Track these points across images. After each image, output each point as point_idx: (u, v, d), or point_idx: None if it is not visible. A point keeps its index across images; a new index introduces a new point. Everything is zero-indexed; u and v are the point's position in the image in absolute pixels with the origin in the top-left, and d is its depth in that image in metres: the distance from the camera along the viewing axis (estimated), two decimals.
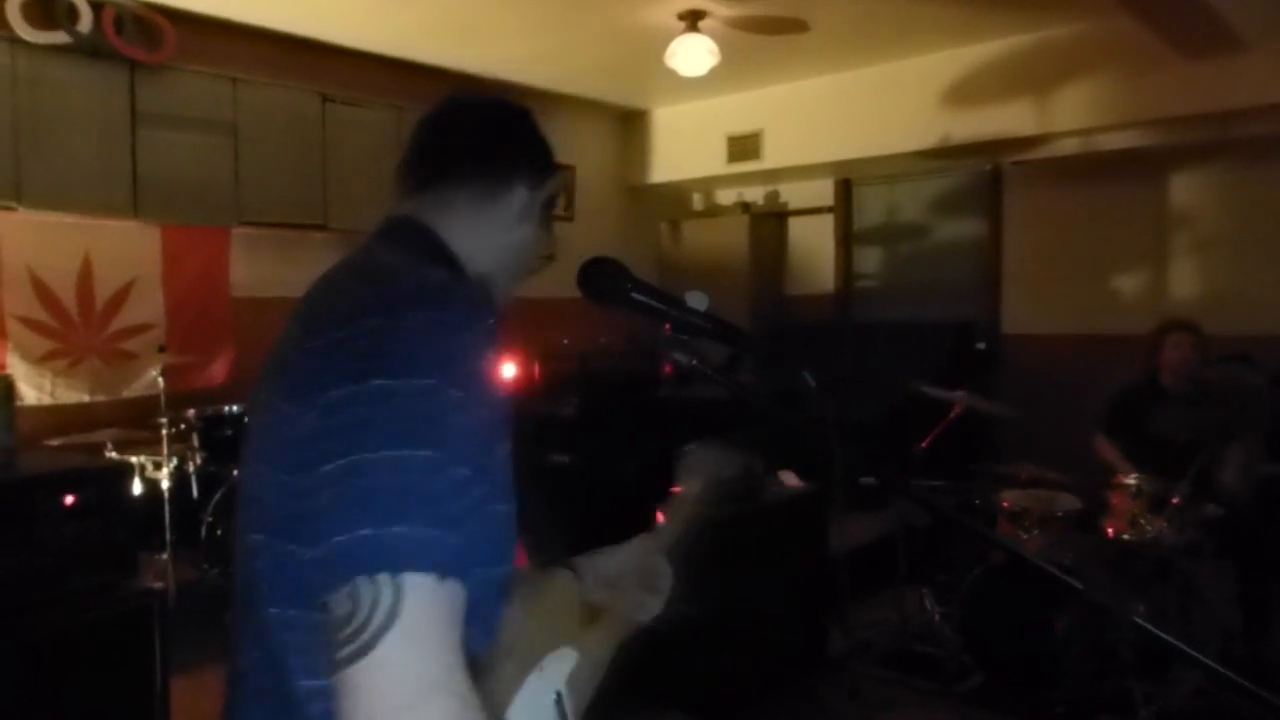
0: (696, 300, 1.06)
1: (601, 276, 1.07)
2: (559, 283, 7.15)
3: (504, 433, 0.96)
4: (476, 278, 1.09)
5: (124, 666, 2.07)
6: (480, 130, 1.15)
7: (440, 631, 0.82)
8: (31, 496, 1.81)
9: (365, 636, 0.79)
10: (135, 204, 4.84)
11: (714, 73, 5.31)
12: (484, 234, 1.11)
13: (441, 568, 0.83)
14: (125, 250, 4.89)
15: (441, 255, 1.06)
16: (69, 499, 1.82)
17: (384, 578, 0.80)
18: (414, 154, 1.15)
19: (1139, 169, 5.83)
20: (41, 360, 4.60)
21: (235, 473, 4.07)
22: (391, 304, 0.91)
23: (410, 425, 0.84)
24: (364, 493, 0.82)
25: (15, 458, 1.98)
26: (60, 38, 4.52)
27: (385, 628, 0.79)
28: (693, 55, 5.02)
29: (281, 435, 0.91)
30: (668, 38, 5.04)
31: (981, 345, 6.46)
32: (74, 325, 4.73)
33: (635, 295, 1.06)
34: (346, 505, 0.83)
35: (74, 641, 2.00)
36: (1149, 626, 1.19)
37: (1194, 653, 1.12)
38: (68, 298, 4.72)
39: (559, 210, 6.73)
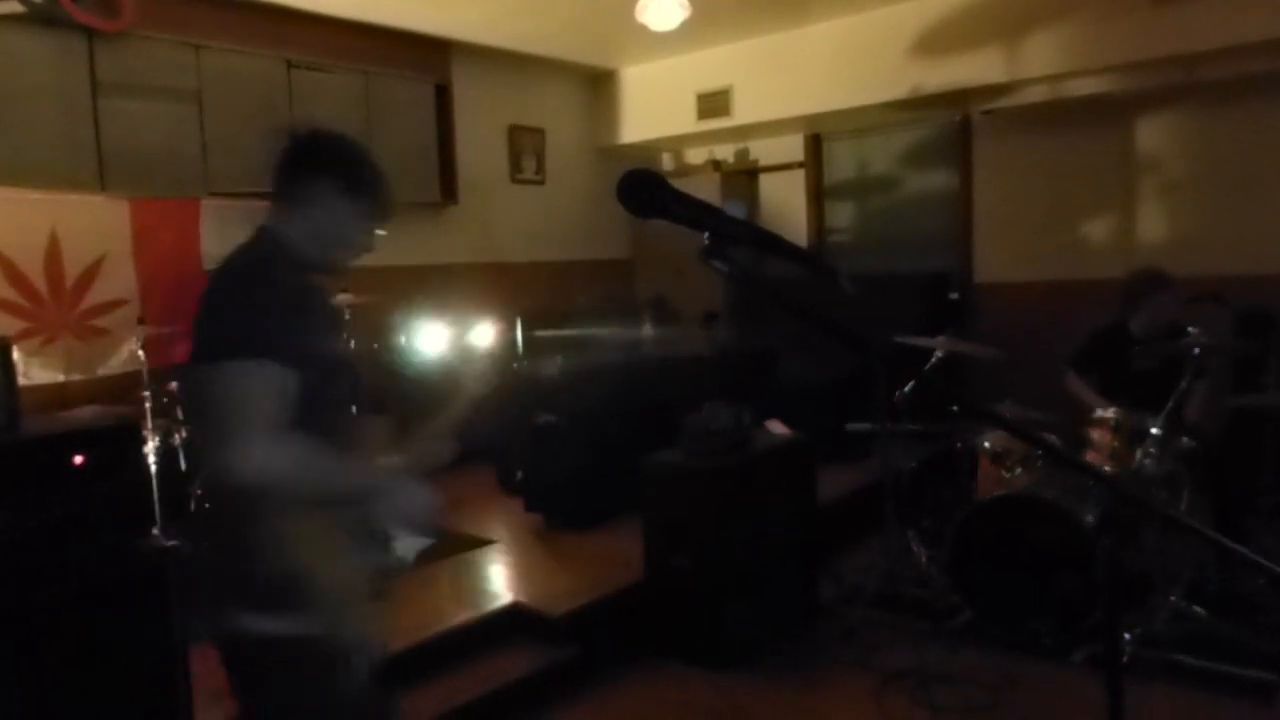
0: (734, 210, 1.07)
1: (643, 189, 1.07)
2: (541, 247, 7.06)
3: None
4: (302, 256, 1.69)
5: (142, 625, 2.06)
6: (308, 156, 1.71)
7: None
8: (41, 457, 1.79)
9: None
10: (102, 177, 4.73)
11: (682, 29, 5.27)
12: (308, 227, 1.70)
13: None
14: (93, 225, 4.77)
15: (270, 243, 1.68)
16: (78, 459, 1.80)
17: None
18: (274, 176, 1.70)
19: (1106, 114, 5.89)
20: (13, 340, 4.49)
21: None
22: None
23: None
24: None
25: (18, 419, 1.95)
26: (13, 7, 4.37)
27: None
28: (664, 8, 4.98)
29: None
30: None
31: (955, 295, 6.54)
32: (44, 304, 4.63)
33: (676, 206, 1.07)
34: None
35: (91, 601, 1.99)
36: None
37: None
38: (36, 276, 4.60)
39: (530, 174, 6.66)
